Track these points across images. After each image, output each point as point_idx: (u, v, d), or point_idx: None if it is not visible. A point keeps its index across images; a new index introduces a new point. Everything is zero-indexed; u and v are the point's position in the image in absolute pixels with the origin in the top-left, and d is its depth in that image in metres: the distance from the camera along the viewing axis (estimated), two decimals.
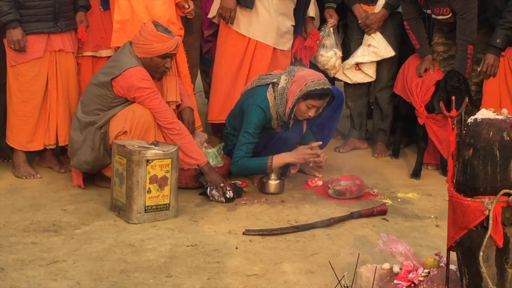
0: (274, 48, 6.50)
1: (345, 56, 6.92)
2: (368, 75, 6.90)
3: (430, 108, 6.12)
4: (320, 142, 5.71)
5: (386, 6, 6.71)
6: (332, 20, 6.78)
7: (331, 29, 6.76)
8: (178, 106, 5.80)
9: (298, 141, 5.89)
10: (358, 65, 6.87)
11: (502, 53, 5.84)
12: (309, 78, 5.53)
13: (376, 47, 6.78)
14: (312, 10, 6.72)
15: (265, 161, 5.53)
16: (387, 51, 6.79)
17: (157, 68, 5.53)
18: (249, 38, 6.43)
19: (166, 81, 5.70)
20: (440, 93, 5.99)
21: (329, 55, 6.72)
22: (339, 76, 6.95)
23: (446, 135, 5.97)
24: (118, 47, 5.77)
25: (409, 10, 6.41)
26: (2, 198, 5.43)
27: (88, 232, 4.79)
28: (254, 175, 5.80)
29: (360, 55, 6.82)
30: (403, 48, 6.86)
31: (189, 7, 6.08)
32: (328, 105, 5.69)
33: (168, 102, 5.63)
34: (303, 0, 6.57)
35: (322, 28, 6.81)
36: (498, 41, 5.76)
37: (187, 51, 6.35)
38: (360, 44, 6.88)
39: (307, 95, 5.51)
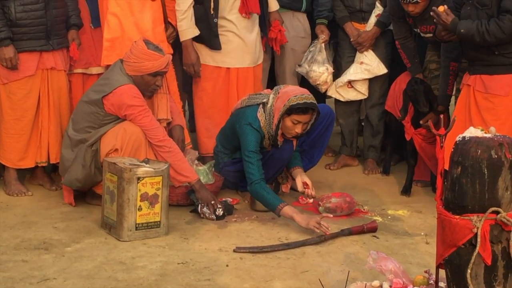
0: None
1: (336, 74, 6.94)
2: (361, 92, 6.92)
3: (416, 123, 6.19)
4: (330, 216, 5.55)
5: (378, 23, 6.74)
6: (324, 35, 6.81)
7: (323, 44, 6.78)
8: (168, 123, 5.81)
9: (288, 160, 5.89)
10: (350, 83, 6.89)
11: (468, 82, 5.46)
12: (292, 94, 5.54)
13: (368, 65, 6.80)
14: (273, 4, 6.67)
15: (276, 204, 5.32)
16: (380, 68, 6.82)
17: (148, 86, 5.55)
18: (228, 68, 6.41)
19: (157, 99, 5.70)
20: (404, 100, 6.24)
21: (321, 70, 6.73)
22: (332, 94, 6.97)
23: (435, 151, 6.01)
24: (109, 65, 5.79)
25: (399, 29, 6.45)
26: None
27: (79, 249, 4.79)
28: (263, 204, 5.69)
29: (353, 72, 6.84)
30: (393, 66, 6.90)
31: (167, 30, 6.18)
32: (316, 121, 5.69)
33: (159, 120, 5.64)
34: (262, 7, 6.49)
35: (313, 44, 6.84)
36: (462, 30, 5.22)
37: (178, 69, 6.36)
38: (351, 62, 6.90)
39: (291, 110, 5.51)
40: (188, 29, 6.20)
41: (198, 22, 6.24)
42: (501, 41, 5.13)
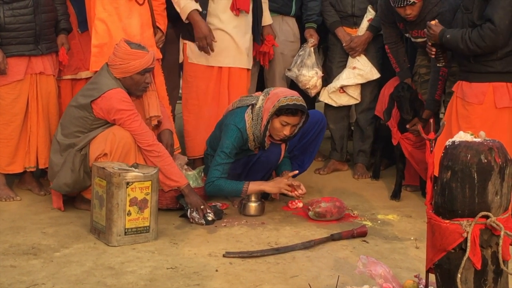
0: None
1: (327, 79, 6.94)
2: (353, 97, 6.92)
3: (403, 128, 6.19)
4: (296, 172, 5.66)
5: (370, 28, 6.74)
6: (313, 39, 6.80)
7: (312, 48, 6.78)
8: (158, 127, 5.80)
9: (276, 164, 5.89)
10: (342, 88, 6.89)
11: (454, 88, 5.45)
12: (282, 95, 5.56)
13: (361, 70, 6.80)
14: (268, 18, 6.70)
15: (241, 186, 5.51)
16: (373, 73, 6.82)
17: (138, 86, 5.54)
18: (220, 67, 6.41)
19: (147, 97, 5.69)
20: (389, 104, 6.26)
21: (310, 74, 6.73)
22: (324, 99, 6.96)
23: (422, 155, 6.02)
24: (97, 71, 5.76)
25: (389, 34, 6.46)
26: None
27: (67, 255, 4.77)
28: (228, 196, 5.78)
29: (346, 77, 6.83)
30: (383, 70, 6.90)
31: (156, 35, 6.18)
32: (304, 125, 5.70)
33: (150, 117, 5.64)
34: (255, 11, 6.53)
35: (303, 48, 6.84)
36: (448, 36, 5.20)
37: (167, 74, 6.35)
38: (342, 67, 6.90)
39: (280, 111, 5.52)
40: (186, 5, 6.19)
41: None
42: (483, 50, 5.07)
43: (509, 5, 4.98)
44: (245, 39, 6.45)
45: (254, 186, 5.49)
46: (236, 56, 6.41)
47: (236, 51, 6.40)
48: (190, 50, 6.37)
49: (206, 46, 6.28)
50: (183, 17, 6.24)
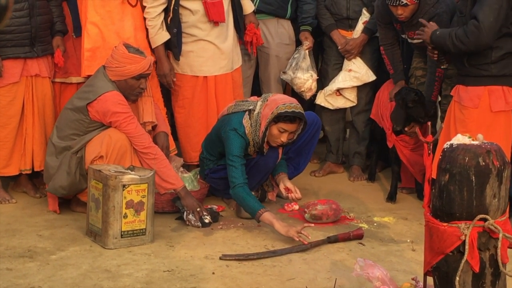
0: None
1: (323, 81, 6.94)
2: (349, 100, 6.91)
3: (398, 130, 6.17)
4: (312, 225, 5.48)
5: (365, 30, 6.73)
6: (307, 42, 6.79)
7: (307, 51, 6.77)
8: (153, 128, 5.79)
9: (274, 167, 5.88)
10: (339, 91, 6.88)
11: (451, 92, 5.40)
12: (281, 102, 5.54)
13: (357, 72, 6.79)
14: (248, 7, 6.58)
15: (257, 209, 5.28)
16: (369, 76, 6.81)
17: (132, 90, 5.53)
18: (205, 76, 6.37)
19: (142, 102, 5.68)
20: (398, 109, 6.08)
21: (305, 77, 6.71)
22: (321, 102, 6.94)
23: (417, 158, 6.01)
24: (89, 76, 5.73)
25: (385, 35, 6.43)
26: None
27: (63, 257, 4.76)
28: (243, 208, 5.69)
29: (342, 80, 6.82)
30: (379, 73, 6.89)
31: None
32: (303, 131, 5.69)
33: (144, 123, 5.63)
34: (235, 11, 6.47)
35: (298, 50, 6.83)
36: (438, 33, 5.18)
37: None
38: (337, 69, 6.89)
39: (278, 118, 5.50)
40: (156, 35, 6.14)
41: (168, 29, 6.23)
42: (468, 47, 5.02)
43: (496, 3, 4.96)
44: (228, 42, 6.41)
45: (268, 217, 5.23)
46: (221, 63, 6.37)
47: (220, 58, 6.36)
48: (173, 60, 6.34)
49: (165, 84, 6.29)
50: (152, 46, 6.19)
